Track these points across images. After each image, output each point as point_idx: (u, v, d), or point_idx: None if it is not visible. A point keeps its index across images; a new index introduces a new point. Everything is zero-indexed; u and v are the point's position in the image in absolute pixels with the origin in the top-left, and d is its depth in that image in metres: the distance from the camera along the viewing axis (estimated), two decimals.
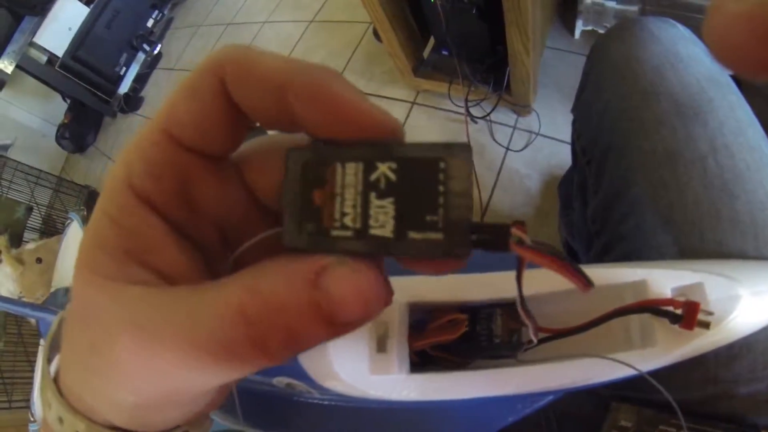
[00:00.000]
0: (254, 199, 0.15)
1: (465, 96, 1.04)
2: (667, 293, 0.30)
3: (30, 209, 1.71)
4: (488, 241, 0.11)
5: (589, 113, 0.48)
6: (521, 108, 1.06)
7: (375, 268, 0.12)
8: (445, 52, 1.06)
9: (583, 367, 0.29)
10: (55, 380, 0.14)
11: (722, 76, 0.42)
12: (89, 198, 1.88)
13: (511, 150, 1.08)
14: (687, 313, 0.28)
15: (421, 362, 0.33)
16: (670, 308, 0.29)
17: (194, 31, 2.14)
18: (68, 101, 2.16)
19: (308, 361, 0.32)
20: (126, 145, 0.14)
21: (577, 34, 1.10)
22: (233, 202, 0.15)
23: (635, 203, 0.40)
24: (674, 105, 0.40)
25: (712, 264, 0.33)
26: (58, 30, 1.88)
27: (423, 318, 0.33)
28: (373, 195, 0.11)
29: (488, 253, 0.11)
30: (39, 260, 1.36)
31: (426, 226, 0.11)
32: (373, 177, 0.11)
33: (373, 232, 0.11)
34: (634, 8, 0.92)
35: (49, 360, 0.15)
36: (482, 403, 0.30)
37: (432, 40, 1.13)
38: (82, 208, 1.32)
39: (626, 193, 0.41)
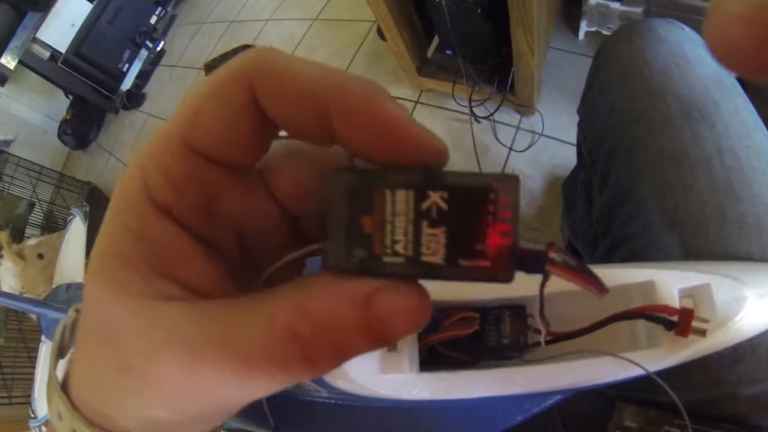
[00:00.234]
0: (276, 203, 0.15)
1: (469, 96, 1.04)
2: (675, 294, 0.30)
3: (32, 205, 1.71)
4: (528, 264, 0.12)
5: (596, 114, 0.48)
6: (525, 108, 1.06)
7: (421, 288, 0.12)
8: (449, 52, 1.05)
9: (593, 367, 0.30)
10: (63, 388, 0.14)
11: (728, 78, 0.42)
12: (91, 194, 1.88)
13: (514, 150, 1.08)
14: (681, 321, 0.28)
15: (428, 361, 0.33)
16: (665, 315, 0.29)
17: (197, 28, 2.14)
18: (70, 97, 2.17)
19: None
20: (139, 150, 0.13)
21: (581, 35, 1.10)
22: (256, 209, 0.14)
23: (641, 204, 0.40)
24: (680, 106, 0.40)
25: (718, 265, 0.33)
26: (61, 26, 1.88)
27: (433, 317, 0.33)
28: (425, 223, 0.11)
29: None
30: (40, 256, 1.36)
31: (475, 254, 0.11)
32: (425, 206, 0.11)
33: (424, 259, 0.12)
34: (639, 10, 0.92)
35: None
36: (491, 402, 0.30)
37: (436, 40, 1.13)
38: (84, 204, 1.32)
39: (632, 193, 0.41)
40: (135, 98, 2.12)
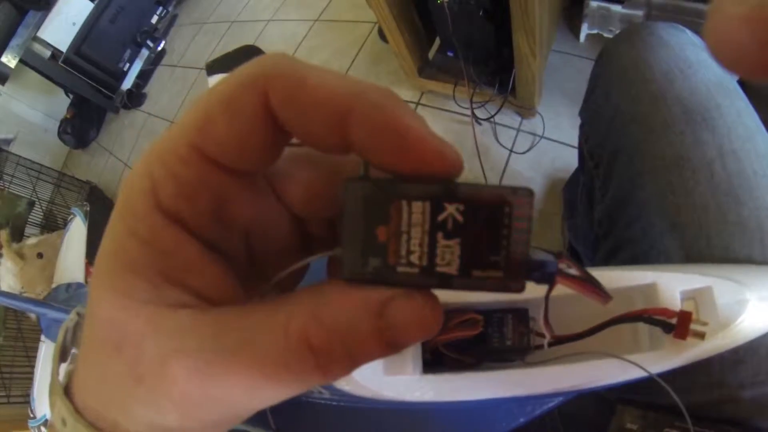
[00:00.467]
0: (283, 207, 0.15)
1: (470, 97, 1.04)
2: (676, 297, 0.31)
3: (32, 204, 1.71)
4: (538, 275, 0.12)
5: (598, 116, 0.48)
6: (526, 110, 1.06)
7: (434, 297, 0.12)
8: (450, 54, 1.06)
9: (596, 368, 0.30)
10: (66, 393, 0.14)
11: (730, 82, 0.42)
12: (91, 193, 1.88)
13: (515, 152, 1.08)
14: (680, 323, 0.28)
15: (431, 363, 0.33)
16: (663, 317, 0.29)
17: (198, 28, 2.14)
18: (71, 96, 2.17)
19: None
20: (145, 153, 0.13)
21: (583, 37, 1.10)
22: (265, 213, 0.14)
23: (643, 207, 0.40)
24: (683, 110, 0.40)
25: (720, 268, 0.33)
26: (62, 25, 1.88)
27: None
28: (440, 235, 0.12)
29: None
30: (40, 255, 1.36)
31: (489, 265, 0.12)
32: (441, 217, 0.12)
33: (438, 269, 0.12)
34: (640, 13, 0.92)
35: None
36: (493, 404, 0.31)
37: (437, 41, 1.13)
38: (84, 203, 1.32)
39: (634, 196, 0.41)
40: (135, 98, 2.12)
